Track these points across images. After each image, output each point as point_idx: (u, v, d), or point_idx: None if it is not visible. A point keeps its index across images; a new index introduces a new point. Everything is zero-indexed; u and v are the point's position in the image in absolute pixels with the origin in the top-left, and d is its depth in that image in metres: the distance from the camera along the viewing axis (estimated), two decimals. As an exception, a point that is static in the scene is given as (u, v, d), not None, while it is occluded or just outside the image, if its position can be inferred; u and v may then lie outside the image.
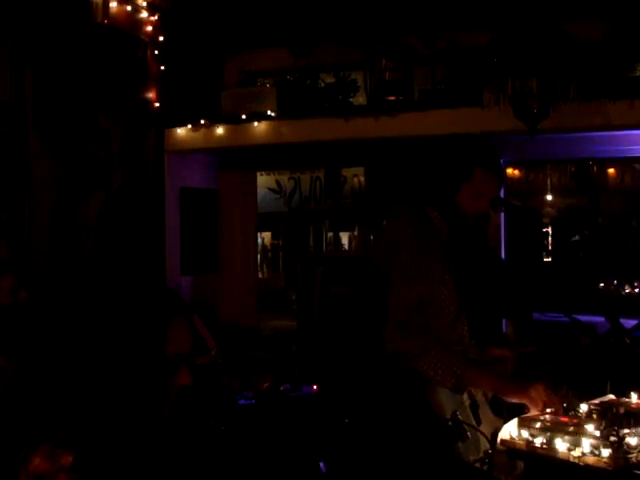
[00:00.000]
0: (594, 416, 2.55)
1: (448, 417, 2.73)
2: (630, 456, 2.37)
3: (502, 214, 6.22)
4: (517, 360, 3.17)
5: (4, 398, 3.42)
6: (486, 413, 2.89)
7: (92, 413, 1.57)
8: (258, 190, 8.13)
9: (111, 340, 1.64)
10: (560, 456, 2.45)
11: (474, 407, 2.86)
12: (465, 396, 2.84)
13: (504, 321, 5.50)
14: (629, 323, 3.39)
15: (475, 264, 3.09)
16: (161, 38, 6.59)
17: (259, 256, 9.97)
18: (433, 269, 2.86)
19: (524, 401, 2.79)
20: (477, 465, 2.70)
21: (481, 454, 2.75)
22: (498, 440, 2.68)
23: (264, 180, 9.35)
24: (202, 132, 6.74)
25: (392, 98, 6.11)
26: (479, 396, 2.91)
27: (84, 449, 1.51)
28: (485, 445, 2.75)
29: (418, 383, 2.78)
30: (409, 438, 2.75)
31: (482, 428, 2.81)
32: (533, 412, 2.73)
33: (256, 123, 6.52)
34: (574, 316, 3.16)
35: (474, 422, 2.81)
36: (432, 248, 2.89)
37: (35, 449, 1.49)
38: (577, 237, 7.58)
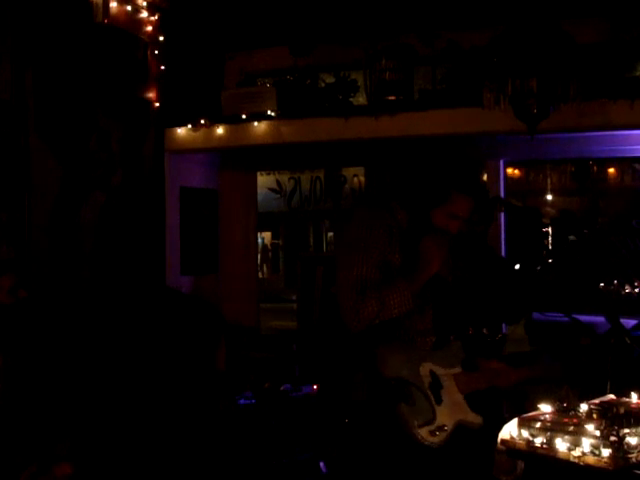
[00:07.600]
0: (594, 416, 2.55)
1: (392, 377, 2.81)
2: (630, 456, 2.37)
3: (502, 214, 6.24)
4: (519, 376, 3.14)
5: (4, 398, 3.42)
6: (453, 399, 2.92)
7: (94, 421, 1.40)
8: (258, 190, 8.13)
9: (112, 343, 1.44)
10: (560, 456, 2.45)
11: (435, 387, 2.91)
12: (425, 372, 2.90)
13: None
14: (629, 323, 3.39)
15: (471, 263, 3.17)
16: (161, 38, 6.59)
17: (259, 256, 9.97)
18: (378, 251, 2.96)
19: (428, 261, 2.93)
20: (423, 431, 2.76)
21: (433, 426, 2.81)
22: (498, 440, 2.68)
23: (264, 180, 9.35)
24: (202, 132, 6.74)
25: (392, 98, 6.10)
26: (448, 382, 2.94)
27: (85, 459, 1.39)
28: (441, 419, 2.82)
29: (368, 350, 2.88)
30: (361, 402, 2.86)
31: (442, 408, 2.86)
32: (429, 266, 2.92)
33: (256, 123, 6.52)
34: (574, 316, 3.16)
35: (432, 398, 2.86)
36: (376, 233, 2.98)
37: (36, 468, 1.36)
38: (576, 237, 7.58)
